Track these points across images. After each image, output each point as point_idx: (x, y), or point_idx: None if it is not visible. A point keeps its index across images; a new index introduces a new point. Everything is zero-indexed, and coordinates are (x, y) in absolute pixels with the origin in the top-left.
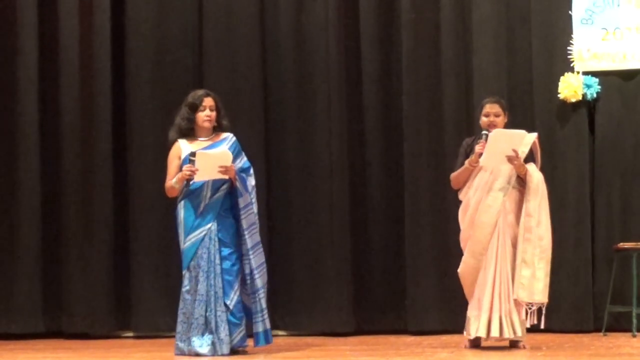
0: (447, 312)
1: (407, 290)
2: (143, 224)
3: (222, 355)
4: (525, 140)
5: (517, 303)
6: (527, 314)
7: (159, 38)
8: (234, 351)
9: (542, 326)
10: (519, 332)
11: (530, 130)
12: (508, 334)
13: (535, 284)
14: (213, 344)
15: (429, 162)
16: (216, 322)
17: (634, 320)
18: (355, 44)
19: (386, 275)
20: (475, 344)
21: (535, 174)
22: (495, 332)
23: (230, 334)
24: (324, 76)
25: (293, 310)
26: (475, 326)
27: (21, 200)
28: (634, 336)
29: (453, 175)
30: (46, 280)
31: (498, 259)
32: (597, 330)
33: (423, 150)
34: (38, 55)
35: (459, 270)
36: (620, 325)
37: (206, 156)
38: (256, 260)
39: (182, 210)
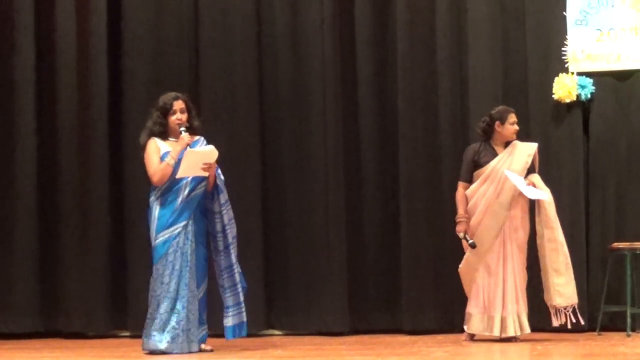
0: (443, 311)
1: (403, 290)
2: (139, 224)
3: (191, 352)
4: (528, 151)
5: (552, 309)
6: (563, 316)
7: (155, 39)
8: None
9: (582, 322)
10: (527, 329)
11: (525, 131)
12: (519, 331)
13: (568, 288)
14: (174, 340)
15: (424, 163)
16: (190, 320)
17: (629, 320)
18: (350, 44)
19: (381, 274)
20: (473, 337)
21: (544, 188)
22: (510, 331)
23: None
24: (319, 77)
25: (289, 310)
26: (483, 324)
27: (18, 199)
28: (629, 335)
29: (457, 197)
30: (43, 280)
31: (507, 262)
32: (592, 329)
33: (418, 150)
34: (35, 55)
35: (460, 267)
36: (614, 324)
37: (195, 154)
38: (234, 252)
39: (157, 207)
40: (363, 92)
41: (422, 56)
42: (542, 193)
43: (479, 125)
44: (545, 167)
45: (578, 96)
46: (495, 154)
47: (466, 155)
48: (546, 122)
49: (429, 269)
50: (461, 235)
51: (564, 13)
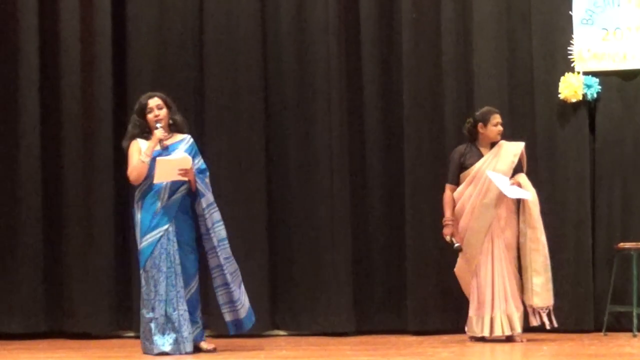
0: (448, 311)
1: (408, 290)
2: None
3: (186, 353)
4: (514, 151)
5: (530, 309)
6: (540, 316)
7: (160, 39)
8: (196, 347)
9: (555, 325)
10: (518, 329)
11: (531, 131)
12: (509, 331)
13: (546, 289)
14: (176, 342)
15: (429, 162)
16: (179, 321)
17: (635, 320)
18: (355, 44)
19: (387, 275)
20: (478, 339)
21: (530, 188)
22: (498, 331)
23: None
24: (324, 76)
25: (294, 310)
26: (478, 326)
27: (22, 200)
28: (635, 336)
29: (444, 199)
30: (48, 280)
31: (495, 263)
32: (598, 330)
33: (423, 150)
34: (39, 55)
35: (455, 269)
36: (620, 325)
37: (167, 162)
38: (223, 253)
39: (139, 211)
40: (368, 92)
41: (428, 56)
42: (524, 192)
43: (464, 127)
44: (551, 167)
45: (584, 96)
46: (480, 156)
47: (452, 157)
48: (552, 121)
49: (434, 270)
50: (447, 238)
51: (570, 12)
